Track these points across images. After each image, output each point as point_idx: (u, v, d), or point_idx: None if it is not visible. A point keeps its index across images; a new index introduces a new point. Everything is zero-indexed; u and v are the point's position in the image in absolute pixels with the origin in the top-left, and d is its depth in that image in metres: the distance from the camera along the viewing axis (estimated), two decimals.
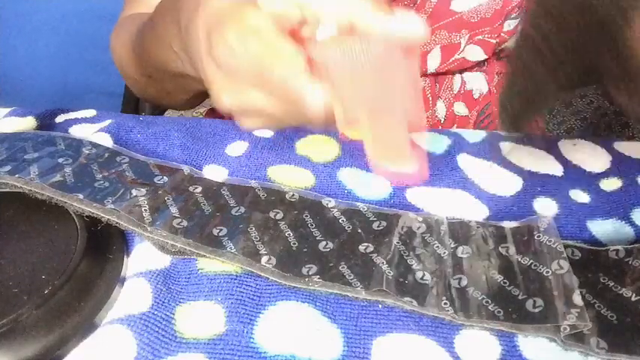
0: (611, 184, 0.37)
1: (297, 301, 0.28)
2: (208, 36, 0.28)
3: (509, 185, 0.37)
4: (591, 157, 0.40)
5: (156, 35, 0.42)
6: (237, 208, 0.32)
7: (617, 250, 0.30)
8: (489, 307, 0.27)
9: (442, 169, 0.38)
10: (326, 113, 0.26)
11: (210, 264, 0.30)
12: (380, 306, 0.28)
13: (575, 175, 0.38)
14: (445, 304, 0.26)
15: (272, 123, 0.31)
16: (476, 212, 0.34)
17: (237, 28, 0.27)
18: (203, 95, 0.51)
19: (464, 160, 0.39)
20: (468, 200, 0.35)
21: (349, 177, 0.37)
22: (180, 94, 0.50)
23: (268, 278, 0.28)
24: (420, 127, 0.28)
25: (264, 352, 0.25)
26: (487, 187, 0.36)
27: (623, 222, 0.34)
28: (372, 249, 0.30)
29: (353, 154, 0.39)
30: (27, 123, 0.41)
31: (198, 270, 0.29)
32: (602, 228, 0.33)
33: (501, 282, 0.28)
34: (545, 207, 0.35)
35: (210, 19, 0.28)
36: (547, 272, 0.28)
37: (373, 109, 0.26)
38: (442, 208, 0.34)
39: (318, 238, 0.30)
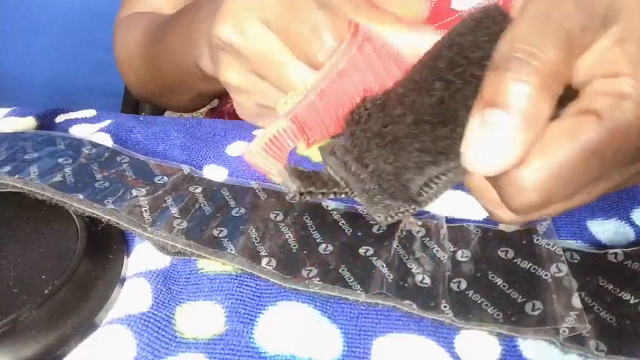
0: None
1: (297, 301, 0.28)
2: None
3: None
4: None
5: (180, 33, 0.43)
6: (238, 208, 0.32)
7: (616, 254, 0.30)
8: (489, 310, 0.27)
9: None
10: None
11: (210, 264, 0.30)
12: (380, 306, 0.28)
13: None
14: (445, 307, 0.26)
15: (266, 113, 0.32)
16: (476, 212, 0.34)
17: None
18: (204, 99, 0.52)
19: None
20: (468, 200, 0.35)
21: None
22: (184, 92, 0.50)
23: (268, 279, 0.28)
24: None
25: (264, 352, 0.25)
26: None
27: (623, 222, 0.34)
28: (372, 252, 0.30)
29: None
30: (27, 123, 0.41)
31: (198, 270, 0.30)
32: (602, 228, 0.33)
33: (501, 285, 0.28)
34: None
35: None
36: (546, 275, 0.28)
37: None
38: (442, 208, 0.34)
39: (318, 241, 0.30)
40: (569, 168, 0.19)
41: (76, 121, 0.42)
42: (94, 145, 0.37)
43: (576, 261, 0.30)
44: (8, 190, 0.32)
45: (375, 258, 0.29)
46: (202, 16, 0.39)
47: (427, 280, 0.28)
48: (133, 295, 0.28)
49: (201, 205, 0.32)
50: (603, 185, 0.21)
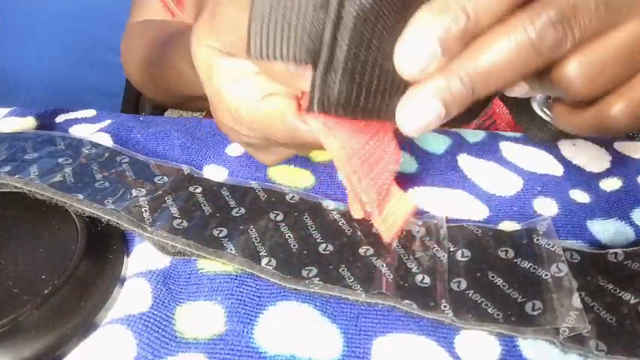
0: (611, 184, 0.37)
1: (297, 301, 0.28)
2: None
3: (509, 185, 0.37)
4: (591, 157, 0.40)
5: (180, 52, 0.43)
6: (238, 208, 0.32)
7: (616, 254, 0.30)
8: (489, 310, 0.27)
9: (442, 169, 0.38)
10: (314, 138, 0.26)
11: (210, 264, 0.30)
12: (380, 306, 0.28)
13: (575, 175, 0.38)
14: (445, 307, 0.26)
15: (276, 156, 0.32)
16: (476, 212, 0.34)
17: (227, 102, 0.27)
18: None
19: (464, 160, 0.39)
20: (468, 200, 0.35)
21: None
22: (196, 103, 0.50)
23: (269, 279, 0.28)
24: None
25: (264, 352, 0.25)
26: (487, 187, 0.36)
27: (623, 222, 0.34)
28: (372, 252, 0.30)
29: None
30: (27, 123, 0.41)
31: (198, 270, 0.30)
32: (602, 228, 0.33)
33: (501, 285, 0.28)
34: (545, 207, 0.35)
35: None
36: (546, 275, 0.28)
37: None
38: (442, 208, 0.34)
39: (318, 241, 0.30)
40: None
41: (76, 121, 0.42)
42: (94, 145, 0.37)
43: (576, 261, 0.30)
44: (8, 190, 0.32)
45: (375, 258, 0.29)
46: None
47: (427, 280, 0.28)
48: (133, 295, 0.28)
49: (201, 205, 0.32)
50: None
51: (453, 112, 0.22)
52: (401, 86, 0.22)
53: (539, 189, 0.36)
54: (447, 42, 0.20)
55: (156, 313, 0.27)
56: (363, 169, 0.27)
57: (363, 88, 0.22)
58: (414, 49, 0.21)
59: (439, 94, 0.21)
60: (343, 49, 0.20)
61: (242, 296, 0.28)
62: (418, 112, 0.22)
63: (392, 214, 0.30)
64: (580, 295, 0.27)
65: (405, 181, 0.37)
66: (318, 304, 0.28)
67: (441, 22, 0.20)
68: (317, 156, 0.39)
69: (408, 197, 0.31)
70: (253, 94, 0.27)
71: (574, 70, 0.22)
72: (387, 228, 0.30)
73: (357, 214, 0.32)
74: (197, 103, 0.51)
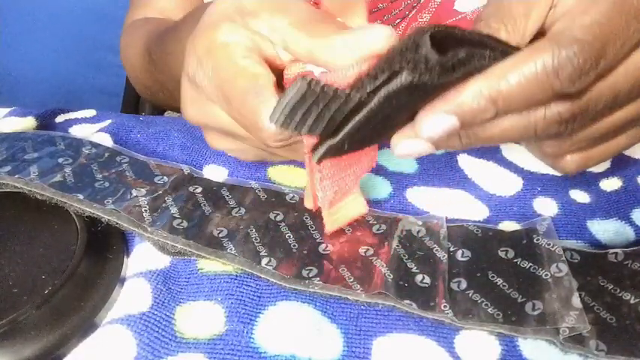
0: (611, 184, 0.37)
1: (297, 301, 0.28)
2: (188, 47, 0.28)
3: (509, 185, 0.37)
4: None
5: (179, 37, 0.43)
6: (238, 208, 0.32)
7: (616, 253, 0.30)
8: (489, 310, 0.27)
9: (442, 169, 0.38)
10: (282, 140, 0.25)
11: (210, 264, 0.30)
12: (380, 306, 0.28)
13: (575, 175, 0.38)
14: (445, 306, 0.26)
15: (235, 146, 0.30)
16: (476, 212, 0.34)
17: (207, 40, 0.26)
18: None
19: (464, 160, 0.39)
20: (468, 200, 0.35)
21: None
22: None
23: (269, 279, 0.28)
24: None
25: (264, 352, 0.25)
26: (487, 187, 0.36)
27: (623, 222, 0.34)
28: (372, 252, 0.30)
29: None
30: (27, 123, 0.41)
31: (198, 270, 0.30)
32: (602, 228, 0.33)
33: (501, 285, 0.28)
34: (545, 207, 0.35)
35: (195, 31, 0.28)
36: (546, 275, 0.28)
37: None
38: (442, 208, 0.34)
39: (318, 241, 0.30)
40: None
41: (76, 121, 0.42)
42: (94, 145, 0.37)
43: (576, 261, 0.30)
44: (8, 190, 0.32)
45: (375, 258, 0.29)
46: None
47: (427, 280, 0.28)
48: (133, 295, 0.28)
49: (201, 205, 0.32)
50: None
51: (442, 148, 0.25)
52: (397, 124, 0.25)
53: (539, 189, 0.36)
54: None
55: (156, 313, 0.27)
56: (329, 171, 0.27)
57: (359, 142, 0.25)
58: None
59: (434, 140, 0.24)
60: (351, 127, 0.22)
61: (242, 296, 0.28)
62: (411, 147, 0.24)
63: (342, 210, 0.31)
64: (580, 295, 0.27)
65: (405, 181, 0.37)
66: (318, 304, 0.28)
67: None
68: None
69: (363, 201, 0.32)
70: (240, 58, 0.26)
71: (571, 164, 0.28)
72: (332, 221, 0.30)
73: (308, 203, 0.32)
74: None
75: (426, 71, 0.20)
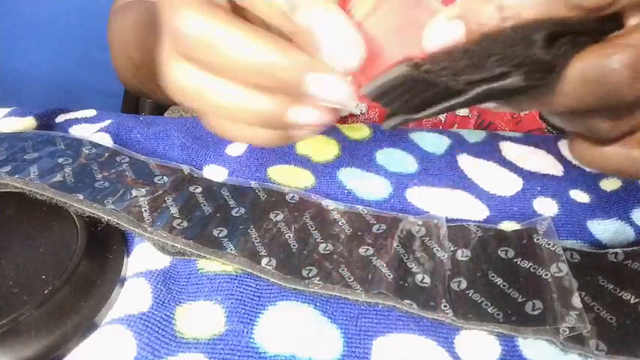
0: (611, 184, 0.37)
1: (297, 301, 0.28)
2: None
3: (509, 185, 0.37)
4: None
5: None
6: (238, 208, 0.32)
7: (616, 253, 0.30)
8: (489, 310, 0.27)
9: (442, 169, 0.38)
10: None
11: (210, 264, 0.30)
12: (380, 306, 0.28)
13: (575, 175, 0.38)
14: (445, 306, 0.26)
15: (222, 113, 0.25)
16: (476, 212, 0.34)
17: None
18: None
19: (464, 160, 0.39)
20: (468, 200, 0.35)
21: (349, 177, 0.37)
22: None
23: (268, 279, 0.28)
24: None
25: (264, 352, 0.25)
26: (487, 187, 0.36)
27: (623, 222, 0.34)
28: (372, 252, 0.30)
29: (353, 154, 0.39)
30: (27, 123, 0.41)
31: (198, 270, 0.30)
32: (602, 228, 0.33)
33: (501, 285, 0.28)
34: (545, 207, 0.35)
35: None
36: (546, 275, 0.28)
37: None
38: (442, 208, 0.34)
39: (318, 240, 0.30)
40: None
41: (76, 121, 0.42)
42: (94, 145, 0.37)
43: (576, 261, 0.30)
44: (8, 190, 0.32)
45: (375, 258, 0.29)
46: None
47: (427, 280, 0.28)
48: (133, 295, 0.28)
49: (201, 205, 0.32)
50: None
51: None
52: None
53: (539, 189, 0.36)
54: None
55: (156, 313, 0.27)
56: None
57: None
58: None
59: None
60: (437, 110, 0.21)
61: (242, 296, 0.28)
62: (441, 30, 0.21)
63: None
64: (580, 295, 0.27)
65: (405, 181, 0.37)
66: (318, 304, 0.28)
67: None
68: (317, 156, 0.39)
69: None
70: None
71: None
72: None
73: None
74: None
75: (536, 75, 0.19)
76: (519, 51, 0.19)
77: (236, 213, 0.32)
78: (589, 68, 0.20)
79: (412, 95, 0.21)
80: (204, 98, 0.24)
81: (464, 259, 0.30)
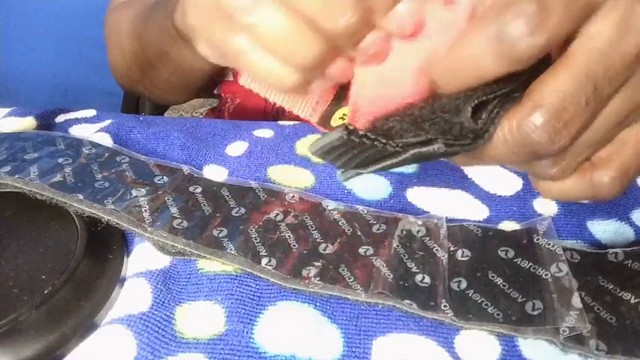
0: None
1: (298, 301, 0.28)
2: None
3: (509, 185, 0.37)
4: None
5: (164, 14, 0.43)
6: (238, 208, 0.32)
7: (617, 253, 0.30)
8: (489, 310, 0.27)
9: (442, 169, 0.38)
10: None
11: (210, 264, 0.30)
12: (380, 306, 0.28)
13: None
14: (445, 306, 0.26)
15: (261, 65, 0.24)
16: (476, 212, 0.34)
17: None
18: (182, 79, 0.52)
19: None
20: (468, 200, 0.35)
21: None
22: (163, 66, 0.50)
23: (268, 279, 0.28)
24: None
25: (264, 352, 0.25)
26: (487, 187, 0.36)
27: (623, 222, 0.34)
28: (372, 252, 0.30)
29: None
30: (27, 123, 0.41)
31: (198, 270, 0.30)
32: (602, 228, 0.33)
33: (501, 285, 0.28)
34: (545, 207, 0.35)
35: None
36: (546, 275, 0.28)
37: None
38: (442, 208, 0.34)
39: (318, 240, 0.30)
40: None
41: (76, 121, 0.42)
42: (94, 145, 0.37)
43: (576, 261, 0.30)
44: (8, 190, 0.32)
45: (375, 258, 0.29)
46: None
47: (427, 280, 0.28)
48: (133, 295, 0.28)
49: (202, 205, 0.32)
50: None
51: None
52: None
53: None
54: None
55: (156, 313, 0.27)
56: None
57: None
58: None
59: None
60: (382, 166, 0.23)
61: (242, 296, 0.28)
62: None
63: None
64: (580, 295, 0.27)
65: (405, 181, 0.37)
66: (318, 304, 0.28)
67: None
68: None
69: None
70: None
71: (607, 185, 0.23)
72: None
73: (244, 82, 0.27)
74: (164, 64, 0.50)
75: (465, 141, 0.21)
76: (449, 118, 0.21)
77: (236, 213, 0.32)
78: (508, 132, 0.21)
79: (353, 155, 0.23)
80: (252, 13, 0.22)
81: (464, 259, 0.30)
